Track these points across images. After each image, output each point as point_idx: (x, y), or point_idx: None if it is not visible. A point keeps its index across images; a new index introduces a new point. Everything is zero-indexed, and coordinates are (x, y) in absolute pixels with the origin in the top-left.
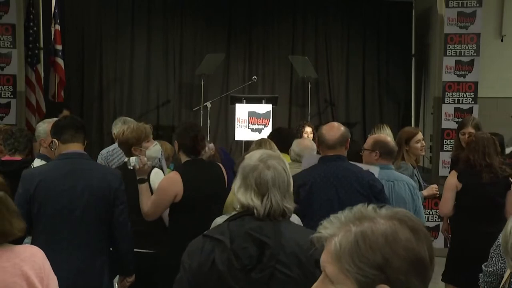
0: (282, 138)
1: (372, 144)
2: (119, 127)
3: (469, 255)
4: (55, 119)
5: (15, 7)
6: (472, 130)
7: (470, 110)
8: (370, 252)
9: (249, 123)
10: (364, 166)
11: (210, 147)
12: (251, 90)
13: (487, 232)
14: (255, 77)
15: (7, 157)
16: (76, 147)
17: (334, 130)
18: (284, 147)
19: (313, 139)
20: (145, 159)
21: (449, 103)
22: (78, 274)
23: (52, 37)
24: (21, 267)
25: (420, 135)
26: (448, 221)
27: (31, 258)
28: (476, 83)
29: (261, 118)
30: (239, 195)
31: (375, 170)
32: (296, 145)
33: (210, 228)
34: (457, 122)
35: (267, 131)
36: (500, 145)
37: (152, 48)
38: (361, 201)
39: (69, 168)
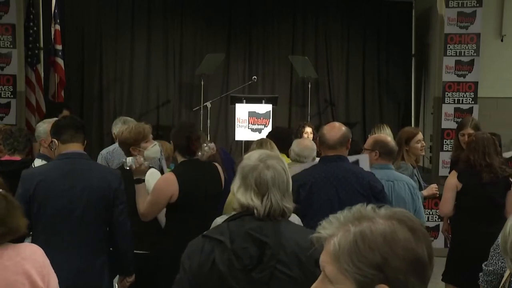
0: (280, 138)
1: (372, 144)
2: (119, 127)
3: (469, 255)
4: (55, 119)
5: (15, 7)
6: (471, 131)
7: (470, 110)
8: (369, 252)
9: (249, 123)
10: (351, 157)
11: (210, 146)
12: (251, 90)
13: (487, 232)
14: (255, 77)
15: (6, 157)
16: (75, 147)
17: (335, 130)
18: (282, 147)
19: (313, 139)
20: (142, 159)
21: (449, 103)
22: (78, 274)
23: (52, 37)
24: (23, 265)
25: (420, 135)
26: (448, 221)
27: (32, 256)
28: (476, 83)
29: (261, 118)
30: (239, 195)
31: (364, 158)
32: (296, 145)
33: (210, 228)
34: (457, 122)
35: (267, 131)
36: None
37: (152, 48)
38: (361, 202)
39: (69, 168)
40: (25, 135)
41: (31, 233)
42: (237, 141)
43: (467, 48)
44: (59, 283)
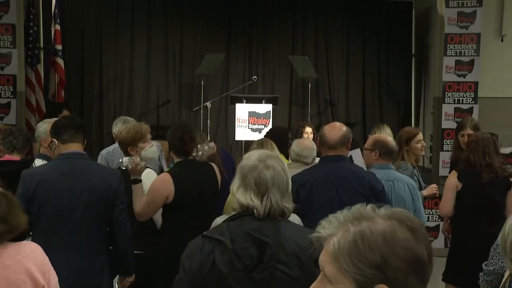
0: (280, 138)
1: (372, 144)
2: (119, 127)
3: (469, 255)
4: (55, 119)
5: (15, 7)
6: (470, 132)
7: (470, 110)
8: (369, 251)
9: (249, 123)
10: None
11: (210, 146)
12: (251, 90)
13: (487, 232)
14: (255, 77)
15: (6, 157)
16: (75, 147)
17: (336, 130)
18: (281, 148)
19: (314, 139)
20: (138, 159)
21: (449, 103)
22: (78, 274)
23: (52, 37)
24: (24, 264)
25: (420, 135)
26: (449, 221)
27: (32, 254)
28: (476, 83)
29: (261, 118)
30: (238, 195)
31: (356, 153)
32: (296, 145)
33: (210, 228)
34: (457, 122)
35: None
36: None
37: (152, 48)
38: (361, 202)
39: (68, 168)
40: (24, 135)
41: (31, 233)
42: (237, 141)
43: (467, 48)
44: (59, 283)
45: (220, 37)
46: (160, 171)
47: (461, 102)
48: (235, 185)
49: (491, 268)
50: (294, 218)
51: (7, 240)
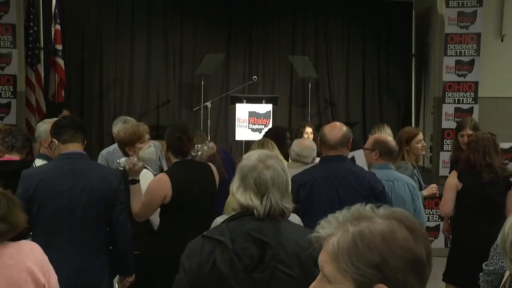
0: (280, 138)
1: (372, 144)
2: (119, 127)
3: (470, 255)
4: (55, 119)
5: (15, 7)
6: (470, 132)
7: (470, 110)
8: (368, 251)
9: (249, 123)
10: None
11: (210, 146)
12: (251, 90)
13: (487, 232)
14: (255, 77)
15: (6, 157)
16: (75, 147)
17: (336, 130)
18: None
19: (314, 139)
20: (135, 159)
21: (449, 103)
22: (78, 274)
23: (52, 37)
24: (25, 263)
25: (420, 135)
26: (449, 221)
27: (32, 253)
28: (476, 83)
29: (261, 118)
30: (238, 195)
31: (359, 154)
32: (296, 145)
33: (209, 227)
34: (457, 122)
35: None
36: None
37: (152, 48)
38: (361, 202)
39: (68, 168)
40: (24, 134)
41: (31, 233)
42: (237, 141)
43: (467, 48)
44: (59, 283)
45: (220, 37)
46: (160, 171)
47: (461, 102)
48: (234, 185)
49: (491, 268)
50: (294, 218)
51: (7, 239)
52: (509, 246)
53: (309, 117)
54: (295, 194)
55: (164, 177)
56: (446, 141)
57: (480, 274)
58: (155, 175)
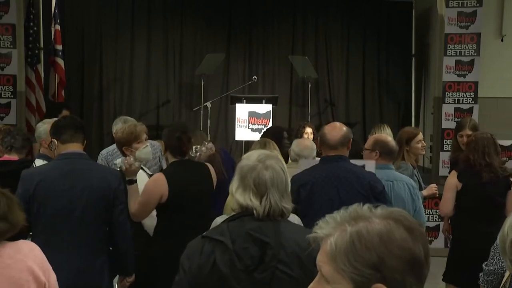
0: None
1: (372, 144)
2: (119, 126)
3: (470, 255)
4: (55, 119)
5: (15, 7)
6: (469, 132)
7: (470, 110)
8: (366, 251)
9: (249, 123)
10: (359, 162)
11: (208, 147)
12: (251, 90)
13: (487, 232)
14: (255, 77)
15: (5, 157)
16: (75, 147)
17: (336, 130)
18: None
19: (314, 139)
20: (132, 159)
21: (449, 103)
22: (78, 274)
23: (52, 37)
24: (25, 262)
25: (420, 136)
26: (449, 221)
27: (32, 252)
28: (476, 83)
29: (261, 118)
30: (238, 195)
31: (370, 164)
32: (296, 145)
33: (207, 227)
34: (457, 122)
35: None
36: None
37: (152, 48)
38: (362, 202)
39: (68, 168)
40: (23, 134)
41: (31, 233)
42: (237, 141)
43: (467, 48)
44: (59, 283)
45: (220, 37)
46: (160, 171)
47: (461, 102)
48: (234, 185)
49: (491, 268)
50: (294, 218)
51: (6, 238)
52: (509, 246)
53: (309, 117)
54: (296, 194)
55: (160, 177)
56: (446, 141)
57: (480, 274)
58: (151, 175)
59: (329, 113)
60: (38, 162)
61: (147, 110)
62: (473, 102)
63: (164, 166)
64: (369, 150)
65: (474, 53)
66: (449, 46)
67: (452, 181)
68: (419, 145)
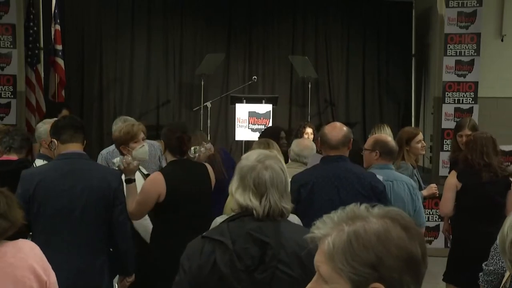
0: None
1: (372, 144)
2: (119, 126)
3: (470, 255)
4: (55, 119)
5: (15, 7)
6: (469, 132)
7: (470, 110)
8: (363, 251)
9: (249, 123)
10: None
11: (207, 147)
12: (251, 90)
13: (487, 231)
14: (255, 77)
15: (4, 157)
16: (75, 147)
17: (337, 130)
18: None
19: (314, 139)
20: (130, 158)
21: (449, 103)
22: (78, 274)
23: (52, 37)
24: (27, 260)
25: (420, 136)
26: (449, 221)
27: (32, 251)
28: (476, 83)
29: (261, 118)
30: (237, 195)
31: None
32: (295, 145)
33: (204, 227)
34: (457, 122)
35: None
36: None
37: (152, 48)
38: (362, 202)
39: (68, 168)
40: (22, 134)
41: (30, 233)
42: (237, 141)
43: (467, 48)
44: (59, 283)
45: (220, 37)
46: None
47: (461, 102)
48: (233, 185)
49: (491, 268)
50: (294, 219)
51: (7, 237)
52: (508, 246)
53: (309, 117)
54: (296, 194)
55: (158, 176)
56: (446, 141)
57: (480, 274)
58: (147, 174)
59: (329, 113)
60: (38, 162)
61: (147, 110)
62: (473, 102)
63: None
64: (369, 150)
65: (474, 53)
66: (449, 46)
67: (452, 181)
68: (419, 145)
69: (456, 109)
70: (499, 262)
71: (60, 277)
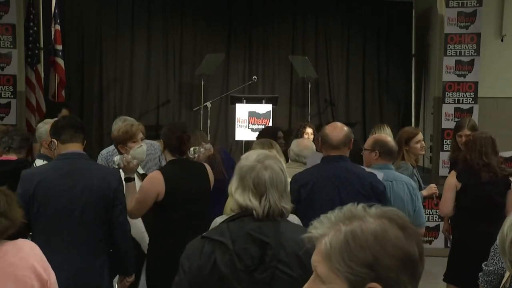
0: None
1: (371, 144)
2: (118, 126)
3: (469, 255)
4: (56, 119)
5: (15, 7)
6: (468, 132)
7: (470, 110)
8: (360, 250)
9: (249, 123)
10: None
11: (206, 148)
12: (251, 90)
13: (487, 231)
14: (255, 77)
15: (3, 157)
16: (75, 147)
17: (338, 130)
18: None
19: (314, 140)
20: (130, 157)
21: (449, 103)
22: (78, 274)
23: (52, 37)
24: (27, 260)
25: (420, 136)
26: (449, 221)
27: (32, 251)
28: (476, 83)
29: (261, 118)
30: (237, 195)
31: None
32: (295, 145)
33: (203, 227)
34: (456, 122)
35: None
36: None
37: (152, 48)
38: (362, 202)
39: (68, 168)
40: (21, 134)
41: (30, 233)
42: (237, 141)
43: (467, 48)
44: (59, 283)
45: (220, 37)
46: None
47: (461, 102)
48: (233, 185)
49: (491, 268)
50: (294, 219)
51: (7, 236)
52: (508, 247)
53: (309, 117)
54: (296, 194)
55: (157, 175)
56: (446, 141)
57: (480, 274)
58: (142, 174)
59: (329, 113)
60: (39, 162)
61: (147, 110)
62: (473, 102)
63: None
64: (369, 150)
65: (474, 53)
66: (449, 46)
67: (452, 181)
68: (418, 145)
69: (456, 109)
70: (499, 263)
71: (60, 277)
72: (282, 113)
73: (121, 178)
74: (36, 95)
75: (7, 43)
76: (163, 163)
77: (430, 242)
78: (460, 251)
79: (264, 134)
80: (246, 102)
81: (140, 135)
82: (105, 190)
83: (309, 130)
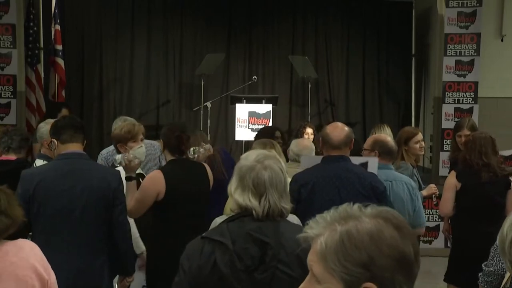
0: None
1: (371, 144)
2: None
3: (470, 255)
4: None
5: (15, 7)
6: (468, 132)
7: (470, 110)
8: (355, 250)
9: (249, 123)
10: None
11: (206, 148)
12: (251, 90)
13: (487, 231)
14: (255, 77)
15: (3, 157)
16: (75, 147)
17: (339, 130)
18: None
19: (314, 140)
20: (131, 156)
21: (449, 103)
22: (78, 274)
23: (52, 37)
24: (28, 260)
25: (419, 136)
26: (449, 221)
27: (33, 250)
28: (476, 83)
29: (261, 118)
30: (236, 195)
31: (373, 161)
32: (295, 145)
33: (203, 226)
34: (456, 122)
35: None
36: None
37: (152, 48)
38: (363, 202)
39: (68, 168)
40: (20, 134)
41: (30, 233)
42: (237, 141)
43: (467, 48)
44: (59, 283)
45: (220, 37)
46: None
47: (461, 102)
48: (232, 185)
49: (491, 269)
50: (293, 219)
51: (8, 235)
52: (508, 247)
53: (309, 117)
54: (296, 194)
55: (158, 174)
56: (446, 141)
57: (480, 274)
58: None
59: (329, 113)
60: (39, 162)
61: (147, 110)
62: (473, 102)
63: None
64: (368, 150)
65: (474, 53)
66: (449, 46)
67: (451, 181)
68: (417, 145)
69: (456, 109)
70: (499, 263)
71: (60, 277)
72: (282, 113)
73: (121, 178)
74: (36, 95)
75: (7, 43)
76: (163, 163)
77: (430, 242)
78: (460, 251)
79: (262, 134)
80: (246, 102)
81: (141, 136)
82: (105, 190)
83: (309, 130)
